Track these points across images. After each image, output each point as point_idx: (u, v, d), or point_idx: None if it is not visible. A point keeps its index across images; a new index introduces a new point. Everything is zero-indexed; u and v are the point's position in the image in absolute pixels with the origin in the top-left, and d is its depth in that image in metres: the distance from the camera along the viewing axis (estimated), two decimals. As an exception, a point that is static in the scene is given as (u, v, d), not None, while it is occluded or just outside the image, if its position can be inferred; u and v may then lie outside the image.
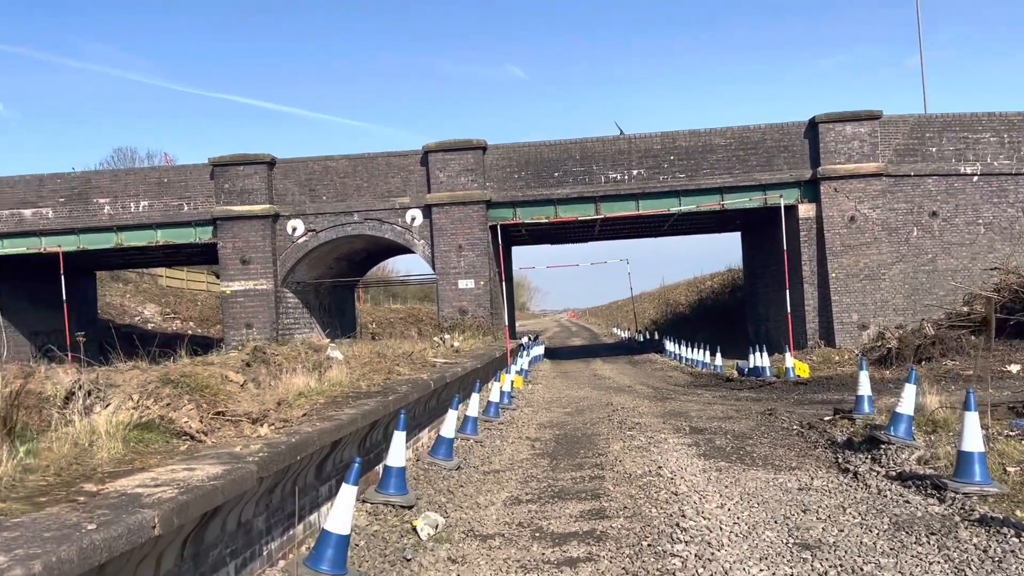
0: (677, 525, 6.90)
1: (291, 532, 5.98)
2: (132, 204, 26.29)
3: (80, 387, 5.14)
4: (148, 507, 3.59)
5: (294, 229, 26.05)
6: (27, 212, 26.32)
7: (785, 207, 25.16)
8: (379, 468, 8.31)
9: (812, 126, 24.92)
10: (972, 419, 7.08)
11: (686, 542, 6.39)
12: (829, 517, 6.87)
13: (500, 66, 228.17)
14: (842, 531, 6.45)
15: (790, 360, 20.33)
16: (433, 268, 26.12)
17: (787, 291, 24.99)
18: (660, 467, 9.40)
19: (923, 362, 18.50)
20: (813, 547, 6.10)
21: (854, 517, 6.82)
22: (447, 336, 18.74)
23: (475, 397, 12.25)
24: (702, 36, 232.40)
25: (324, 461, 6.62)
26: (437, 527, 7.14)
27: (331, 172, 26.19)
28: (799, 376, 19.66)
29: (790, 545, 6.19)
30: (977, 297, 22.64)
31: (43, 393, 5.12)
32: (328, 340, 17.65)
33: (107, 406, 5.17)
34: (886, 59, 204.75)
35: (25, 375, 5.99)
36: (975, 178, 24.54)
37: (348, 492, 5.63)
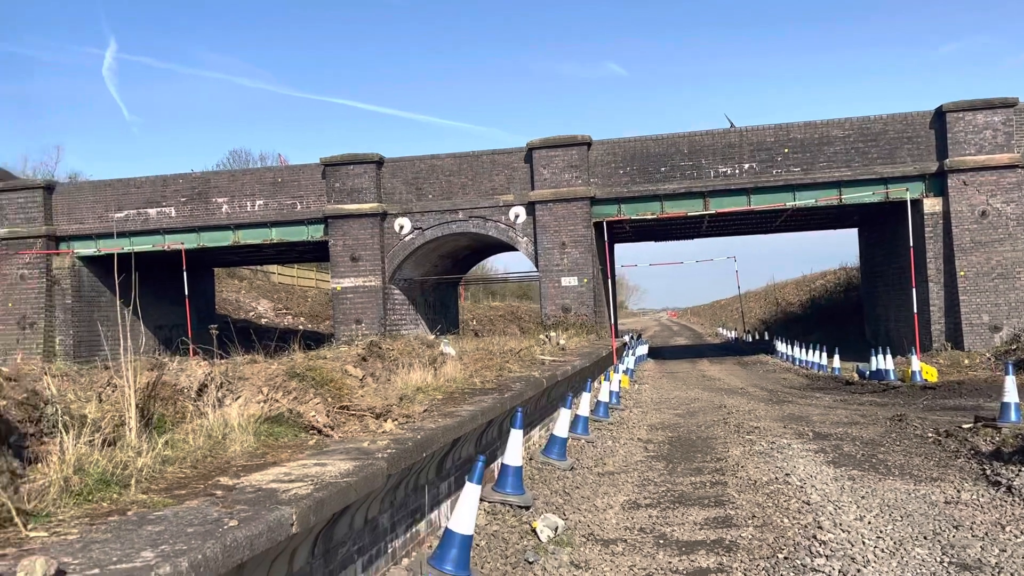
0: (814, 537, 6.46)
1: (414, 529, 5.89)
2: (248, 203, 27.27)
3: (212, 379, 5.18)
4: (285, 504, 3.52)
5: (401, 227, 26.42)
6: (152, 211, 27.69)
7: (910, 202, 23.77)
8: (494, 466, 8.18)
9: (939, 115, 23.45)
10: None
11: (827, 556, 5.96)
12: (987, 535, 6.29)
13: (599, 64, 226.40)
14: (1004, 551, 5.88)
15: (916, 363, 19.17)
16: (536, 265, 25.98)
17: (913, 290, 23.61)
18: (787, 474, 8.91)
19: (1068, 368, 17.08)
20: (973, 568, 5.57)
21: (1017, 536, 6.22)
22: (552, 334, 18.55)
23: (586, 396, 12.00)
24: (811, 29, 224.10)
25: (444, 458, 6.52)
26: (556, 529, 6.94)
27: (437, 170, 26.43)
28: (926, 380, 18.51)
29: (946, 565, 5.67)
30: None
31: (177, 385, 5.18)
32: (436, 336, 17.76)
33: (237, 399, 5.20)
34: (1009, 48, 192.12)
35: (158, 366, 6.13)
36: (1126, 168, 22.54)
37: (472, 491, 5.49)
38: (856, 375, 21.49)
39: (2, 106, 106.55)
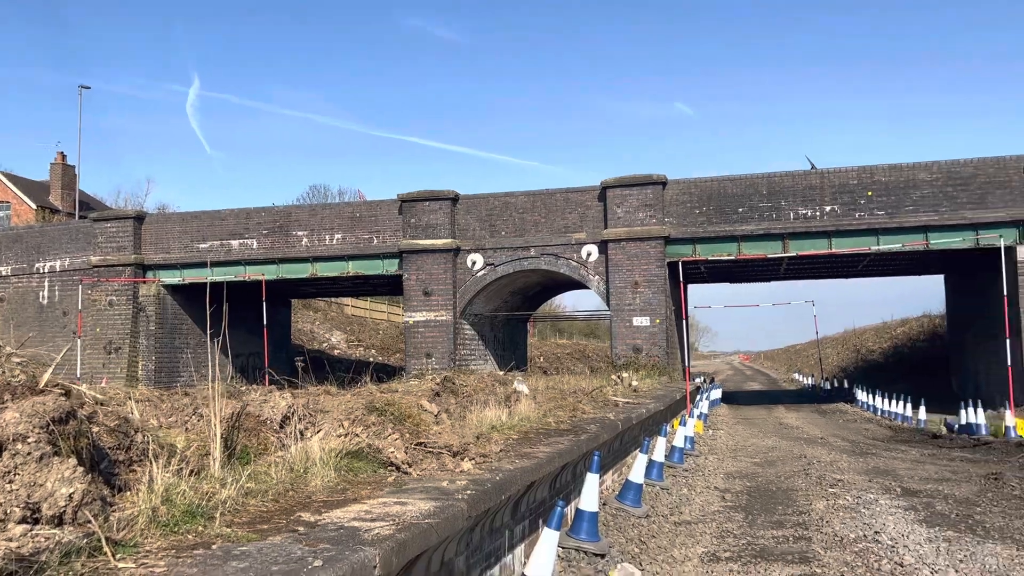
0: (911, 604, 6.06)
1: (489, 573, 5.75)
2: (327, 236, 27.88)
3: (294, 411, 5.18)
4: (368, 544, 3.44)
5: (473, 263, 26.58)
6: (234, 243, 28.56)
7: (1004, 248, 22.74)
8: (567, 511, 7.98)
9: (1035, 159, 22.47)
10: None
11: (927, 626, 5.57)
12: (1106, 612, 5.79)
13: (667, 103, 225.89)
14: None
15: (1011, 418, 18.14)
16: (607, 304, 25.74)
17: (1007, 341, 22.46)
18: (877, 532, 8.45)
19: None
20: (1094, 649, 5.11)
21: None
22: (624, 375, 18.24)
23: (660, 441, 11.69)
24: (892, 68, 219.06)
25: (520, 500, 6.37)
26: (634, 580, 6.69)
27: (510, 208, 26.57)
28: (1021, 436, 17.48)
29: (1062, 643, 5.22)
30: None
31: (260, 416, 5.20)
32: (507, 372, 17.67)
33: (318, 431, 5.19)
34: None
35: (236, 394, 6.19)
36: None
37: (550, 537, 5.34)
38: (944, 428, 20.48)
39: (97, 140, 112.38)
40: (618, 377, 18.01)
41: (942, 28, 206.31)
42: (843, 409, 28.99)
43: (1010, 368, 22.22)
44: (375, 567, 3.34)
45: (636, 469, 9.54)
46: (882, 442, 18.61)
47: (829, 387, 38.71)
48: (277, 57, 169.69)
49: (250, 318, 29.11)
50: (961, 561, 7.30)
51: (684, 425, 14.74)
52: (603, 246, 25.59)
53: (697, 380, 31.08)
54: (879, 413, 25.67)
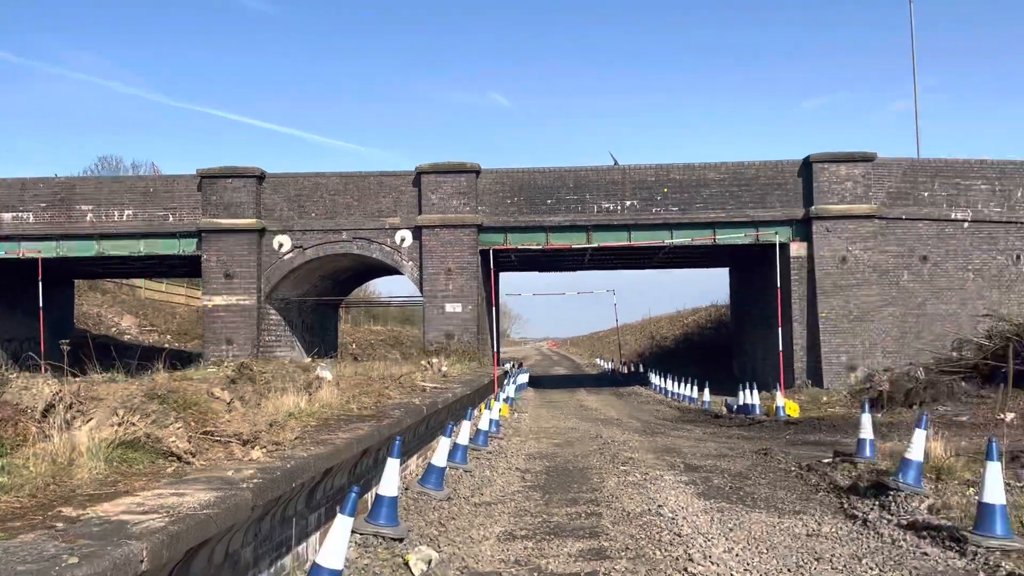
0: (685, 570, 6.54)
1: (280, 563, 5.57)
2: (116, 213, 25.76)
3: (60, 399, 4.74)
4: (135, 538, 3.21)
5: (280, 245, 25.62)
6: (7, 216, 25.72)
7: (778, 245, 25.08)
8: (368, 496, 7.90)
9: (806, 165, 24.94)
10: (995, 469, 6.81)
11: (697, 589, 6.04)
12: (845, 567, 6.55)
13: (484, 93, 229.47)
14: (861, 583, 6.13)
15: (781, 399, 20.09)
16: (421, 290, 25.75)
17: (779, 329, 24.83)
18: (660, 506, 9.05)
19: (914, 407, 18.29)
20: (833, 600, 5.76)
21: (871, 568, 6.50)
22: (435, 360, 18.34)
23: (465, 424, 11.86)
24: (689, 73, 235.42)
25: (315, 488, 6.23)
26: (431, 563, 6.74)
27: (321, 189, 25.85)
28: (789, 415, 19.41)
29: (808, 597, 5.85)
30: (966, 343, 22.57)
31: (19, 404, 4.71)
32: (313, 359, 17.22)
33: (89, 421, 4.77)
34: (872, 103, 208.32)
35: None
36: (966, 224, 24.62)
37: (343, 524, 5.24)
38: (725, 409, 22.31)
39: None
40: (428, 363, 18.07)
41: (739, 32, 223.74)
42: (638, 392, 30.83)
43: (781, 354, 24.60)
44: (142, 561, 3.11)
45: (439, 453, 9.62)
46: (671, 422, 19.98)
47: (627, 371, 41.06)
48: (62, 11, 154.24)
49: (26, 300, 26.38)
50: (731, 529, 7.97)
51: (490, 409, 15.04)
52: (417, 232, 25.54)
53: (506, 366, 31.87)
54: (670, 395, 27.56)
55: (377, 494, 7.53)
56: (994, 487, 6.79)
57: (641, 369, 39.36)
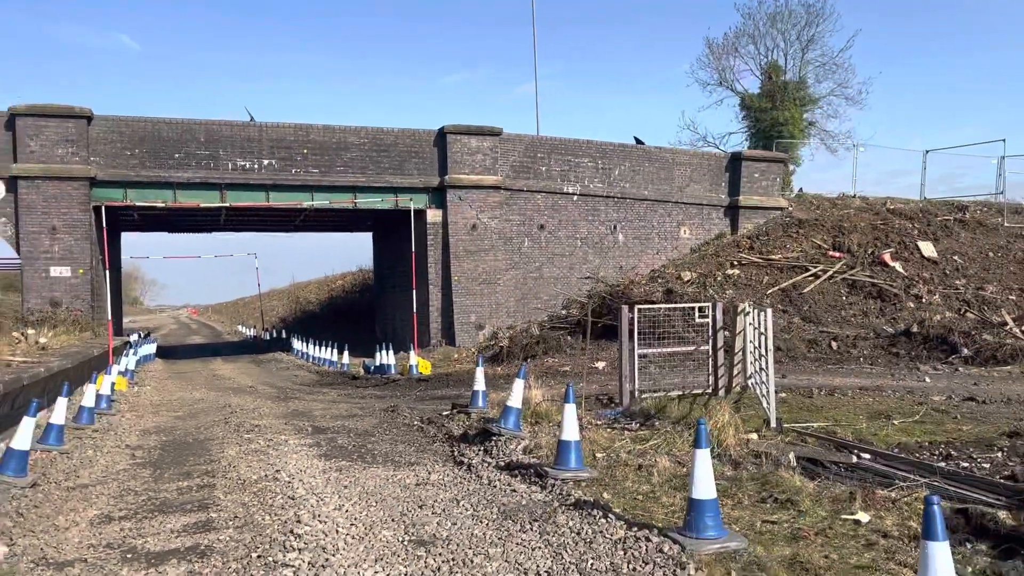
0: (291, 532, 6.49)
1: None
2: None
3: None
4: None
5: None
6: None
7: (415, 211, 25.97)
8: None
9: (441, 136, 26.07)
10: (571, 411, 7.74)
11: (299, 549, 6.02)
12: (444, 511, 7.00)
13: (107, 33, 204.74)
14: (455, 524, 6.59)
15: (414, 358, 20.97)
16: (18, 252, 22.29)
17: (414, 292, 25.81)
18: (278, 471, 8.89)
19: (529, 359, 20.27)
20: (428, 543, 6.12)
21: (467, 509, 7.03)
22: (31, 332, 16.05)
23: (62, 402, 10.53)
24: (325, 34, 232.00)
25: None
26: (-5, 560, 5.87)
27: None
28: (422, 373, 20.34)
29: (405, 543, 6.14)
30: (573, 302, 25.54)
31: None
32: None
33: None
34: (503, 84, 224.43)
35: None
36: (575, 197, 27.69)
37: None
38: (363, 370, 22.72)
39: None
40: (22, 335, 15.75)
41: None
42: (279, 358, 30.15)
43: (415, 315, 25.67)
44: None
45: (21, 436, 8.41)
46: (308, 387, 19.83)
47: (269, 338, 39.92)
48: None
49: None
50: (345, 487, 8.10)
51: (94, 383, 13.55)
52: (12, 183, 22.01)
53: (131, 337, 29.11)
54: (311, 360, 27.36)
55: (-75, 489, 6.36)
56: (570, 427, 7.73)
57: (284, 335, 38.53)
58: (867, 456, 8.14)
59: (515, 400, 9.66)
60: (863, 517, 6.06)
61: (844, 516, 6.18)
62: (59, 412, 10.40)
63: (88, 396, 12.44)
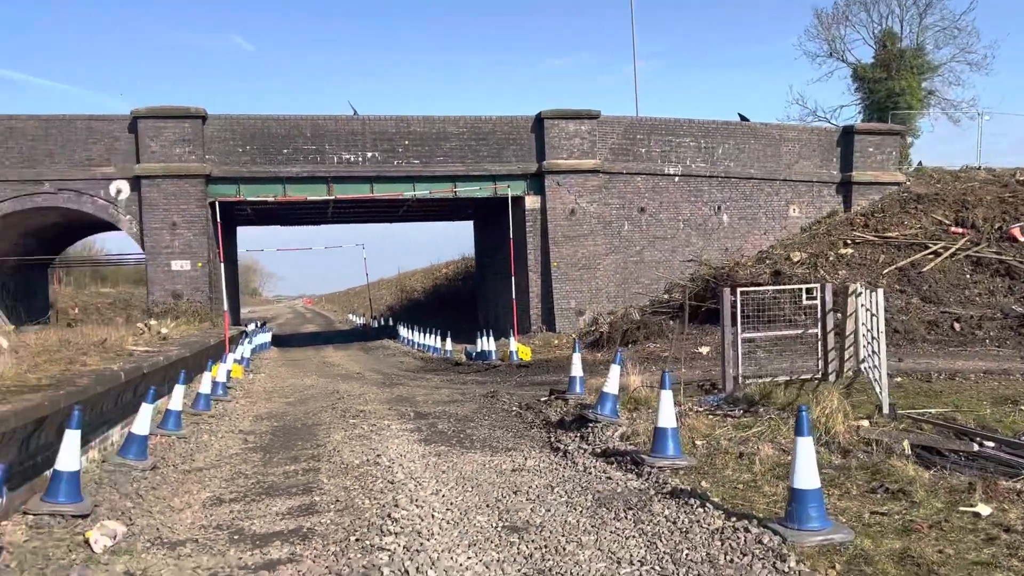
0: (389, 516, 6.61)
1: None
2: None
3: None
4: None
5: (-33, 198, 22.28)
6: None
7: (513, 198, 26.02)
8: (48, 473, 7.13)
9: (538, 121, 25.97)
10: (667, 397, 7.55)
11: (396, 533, 6.12)
12: (538, 497, 6.97)
13: (223, 35, 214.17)
14: (549, 511, 6.55)
15: (514, 344, 21.04)
16: (143, 247, 23.70)
17: (513, 278, 25.89)
18: (379, 455, 9.10)
19: (629, 345, 20.02)
20: (521, 529, 6.11)
21: (561, 496, 6.97)
22: (153, 322, 17.01)
23: (179, 389, 11.11)
24: (430, 29, 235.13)
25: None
26: (115, 537, 6.23)
27: (16, 134, 22.74)
28: (522, 359, 20.40)
29: (499, 529, 6.15)
30: (676, 286, 25.01)
31: None
32: (16, 328, 15.27)
33: None
34: (606, 66, 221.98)
35: None
36: (676, 178, 27.08)
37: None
38: (464, 356, 22.99)
39: None
40: (145, 325, 16.72)
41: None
42: (386, 345, 30.91)
43: (514, 301, 25.75)
44: None
45: (141, 420, 8.91)
46: (412, 373, 20.23)
47: (377, 326, 40.98)
48: None
49: None
50: (443, 472, 8.20)
51: (216, 371, 14.24)
52: (136, 183, 23.37)
53: (248, 326, 30.48)
54: (415, 347, 27.90)
55: (55, 470, 6.81)
56: (667, 413, 7.54)
57: (391, 323, 39.47)
58: (990, 444, 7.60)
59: (611, 386, 9.52)
60: (984, 510, 5.65)
61: (962, 508, 5.78)
62: (176, 399, 10.97)
63: (205, 383, 13.08)
